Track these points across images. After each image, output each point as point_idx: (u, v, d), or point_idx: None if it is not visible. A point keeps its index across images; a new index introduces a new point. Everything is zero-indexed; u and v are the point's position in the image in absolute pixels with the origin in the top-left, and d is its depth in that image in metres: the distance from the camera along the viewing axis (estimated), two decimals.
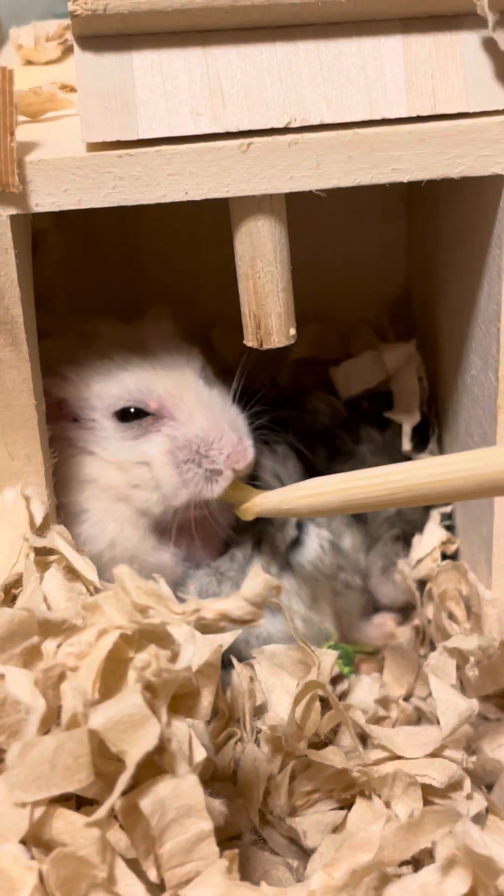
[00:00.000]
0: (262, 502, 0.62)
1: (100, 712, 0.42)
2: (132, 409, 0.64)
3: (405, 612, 0.76)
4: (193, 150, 0.52)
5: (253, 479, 0.67)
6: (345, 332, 0.88)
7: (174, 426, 0.63)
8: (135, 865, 0.44)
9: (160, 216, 0.65)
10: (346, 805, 0.56)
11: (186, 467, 0.63)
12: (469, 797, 0.54)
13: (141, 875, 0.44)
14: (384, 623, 0.75)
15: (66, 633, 0.46)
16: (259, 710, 0.59)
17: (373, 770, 0.55)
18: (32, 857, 0.43)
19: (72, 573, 0.57)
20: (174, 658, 0.45)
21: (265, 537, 0.69)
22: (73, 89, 0.60)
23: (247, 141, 0.52)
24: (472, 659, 0.59)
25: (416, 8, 0.52)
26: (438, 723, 0.56)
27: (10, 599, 0.56)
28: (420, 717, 0.64)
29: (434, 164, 0.54)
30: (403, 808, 0.54)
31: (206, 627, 0.45)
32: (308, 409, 0.80)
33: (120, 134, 0.52)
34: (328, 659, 0.60)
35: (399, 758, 0.56)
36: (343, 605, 0.72)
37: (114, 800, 0.42)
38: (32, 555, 0.57)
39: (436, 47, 0.53)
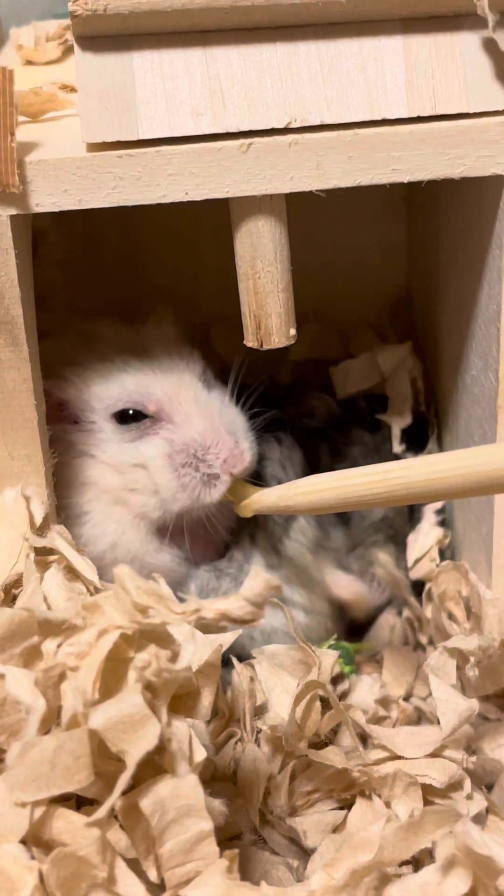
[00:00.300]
0: (261, 499, 0.62)
1: (100, 712, 0.42)
2: (131, 412, 0.64)
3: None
4: (194, 150, 0.52)
5: (257, 475, 0.66)
6: (345, 332, 0.88)
7: (172, 429, 0.63)
8: (135, 865, 0.44)
9: (160, 216, 0.65)
10: (347, 805, 0.56)
11: (184, 471, 0.62)
12: (469, 797, 0.54)
13: (141, 875, 0.44)
14: (350, 584, 0.74)
15: (66, 633, 0.46)
16: (259, 710, 0.59)
17: (373, 770, 0.55)
18: (32, 857, 0.43)
19: (72, 573, 0.57)
20: (174, 658, 0.45)
21: (260, 529, 0.69)
22: (73, 89, 0.60)
23: (247, 141, 0.52)
24: (472, 659, 0.59)
25: (417, 8, 0.52)
26: (438, 723, 0.56)
27: (10, 599, 0.56)
28: (420, 717, 0.64)
29: (434, 165, 0.54)
30: (403, 808, 0.54)
31: (206, 627, 0.45)
32: (305, 407, 0.80)
33: (120, 134, 0.52)
34: (328, 659, 0.60)
35: (399, 758, 0.56)
36: (315, 571, 0.72)
37: (114, 800, 0.42)
38: (32, 555, 0.57)
39: (436, 48, 0.53)
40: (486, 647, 0.59)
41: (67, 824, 0.44)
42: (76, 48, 0.52)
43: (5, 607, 0.53)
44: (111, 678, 0.44)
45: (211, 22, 0.51)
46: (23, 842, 0.43)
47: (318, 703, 0.57)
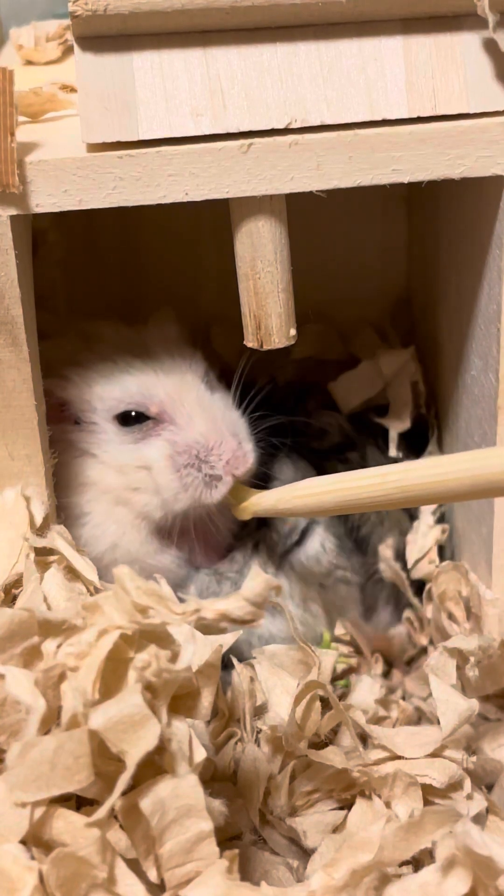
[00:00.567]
0: (259, 502, 0.62)
1: (100, 712, 0.42)
2: (133, 413, 0.64)
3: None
4: (194, 150, 0.52)
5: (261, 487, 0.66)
6: (345, 332, 0.88)
7: (174, 431, 0.63)
8: (135, 865, 0.44)
9: (160, 217, 0.65)
10: (347, 805, 0.56)
11: (186, 472, 0.62)
12: (469, 797, 0.54)
13: (141, 875, 0.44)
14: (393, 635, 0.74)
15: (66, 633, 0.46)
16: (259, 710, 0.59)
17: (373, 770, 0.55)
18: (32, 857, 0.43)
19: (72, 573, 0.57)
20: (174, 658, 0.45)
21: (264, 539, 0.69)
22: (73, 90, 0.60)
23: (247, 142, 0.52)
24: (472, 659, 0.59)
25: (417, 9, 0.52)
26: (438, 723, 0.56)
27: (10, 599, 0.56)
28: (420, 717, 0.64)
29: (434, 165, 0.54)
30: (403, 808, 0.54)
31: (206, 627, 0.45)
32: (316, 426, 0.79)
33: (120, 134, 0.52)
34: (328, 659, 0.60)
35: (399, 758, 0.56)
36: (333, 600, 0.72)
37: (114, 800, 0.42)
38: (32, 555, 0.57)
39: (436, 48, 0.53)
40: (486, 647, 0.59)
41: (67, 824, 0.44)
42: (76, 48, 0.52)
43: (5, 607, 0.53)
44: (111, 678, 0.44)
45: (211, 22, 0.51)
46: (23, 842, 0.43)
47: (318, 703, 0.57)
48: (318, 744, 0.57)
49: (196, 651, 0.47)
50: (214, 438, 0.63)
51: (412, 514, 0.77)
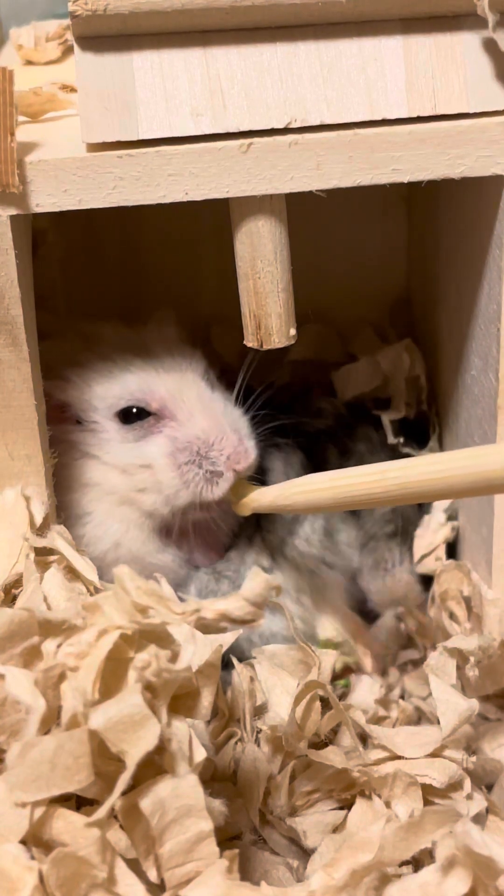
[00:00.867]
0: (259, 498, 0.62)
1: (100, 712, 0.42)
2: (134, 410, 0.64)
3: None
4: (194, 150, 0.52)
5: (261, 482, 0.66)
6: (345, 332, 0.88)
7: (175, 427, 0.63)
8: (135, 865, 0.44)
9: (160, 216, 0.65)
10: (347, 805, 0.56)
11: (187, 468, 0.63)
12: (469, 797, 0.54)
13: (141, 875, 0.44)
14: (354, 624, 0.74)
15: (66, 633, 0.46)
16: (259, 710, 0.59)
17: (373, 770, 0.55)
18: (32, 857, 0.43)
19: (72, 573, 0.57)
20: (174, 658, 0.45)
21: (257, 533, 0.69)
22: (73, 89, 0.60)
23: (247, 141, 0.52)
24: (472, 659, 0.59)
25: (417, 8, 0.52)
26: (438, 723, 0.56)
27: (10, 599, 0.56)
28: (420, 717, 0.64)
29: (434, 165, 0.54)
30: (403, 808, 0.54)
31: (206, 627, 0.45)
32: (313, 410, 0.79)
33: (120, 134, 0.52)
34: (328, 659, 0.60)
35: (399, 758, 0.56)
36: (318, 585, 0.72)
37: (114, 800, 0.42)
38: (32, 555, 0.57)
39: (436, 48, 0.53)
40: (485, 647, 0.59)
41: (67, 824, 0.44)
42: (76, 48, 0.52)
43: (5, 607, 0.53)
44: (111, 678, 0.44)
45: (211, 22, 0.51)
46: (23, 842, 0.43)
47: (318, 703, 0.57)
48: (318, 744, 0.57)
49: (196, 651, 0.47)
50: (215, 434, 0.63)
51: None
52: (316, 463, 0.73)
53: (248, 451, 0.63)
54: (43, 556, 0.57)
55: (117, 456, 0.64)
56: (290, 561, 0.70)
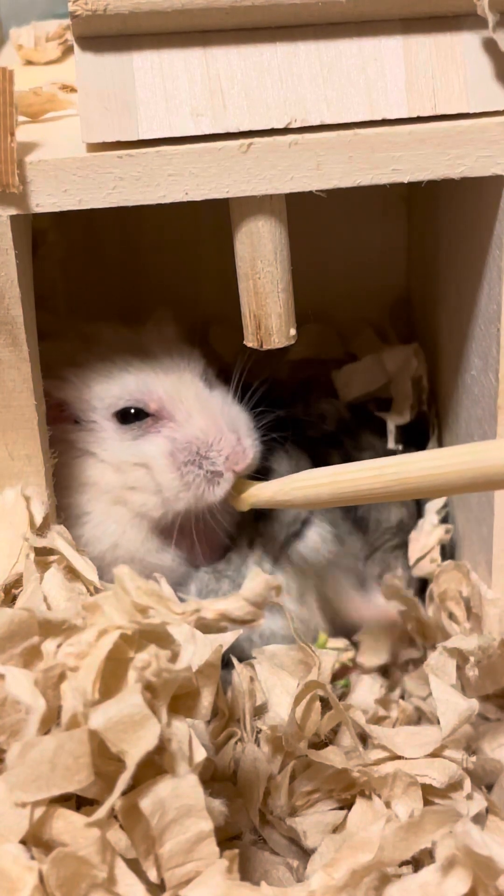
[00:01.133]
0: (258, 493, 0.62)
1: (100, 712, 0.42)
2: (132, 410, 0.64)
3: None
4: (194, 150, 0.52)
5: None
6: (345, 332, 0.88)
7: (174, 427, 0.63)
8: (135, 865, 0.44)
9: (160, 217, 0.65)
10: (346, 805, 0.56)
11: (187, 470, 0.62)
12: (469, 797, 0.55)
13: (141, 875, 0.44)
14: (369, 607, 0.74)
15: (66, 633, 0.46)
16: (259, 710, 0.59)
17: (373, 770, 0.55)
18: (32, 857, 0.43)
19: (72, 573, 0.57)
20: (174, 658, 0.45)
21: (261, 534, 0.69)
22: (73, 89, 0.60)
23: (247, 141, 0.52)
24: (472, 659, 0.59)
25: (417, 8, 0.52)
26: (438, 723, 0.56)
27: (10, 599, 0.56)
28: (420, 717, 0.64)
29: (434, 165, 0.54)
30: (403, 808, 0.54)
31: (206, 627, 0.45)
32: (314, 412, 0.79)
33: (120, 134, 0.52)
34: (328, 659, 0.60)
35: (399, 758, 0.56)
36: (327, 590, 0.72)
37: (114, 800, 0.42)
38: (32, 555, 0.57)
39: (436, 48, 0.53)
40: (485, 646, 0.59)
41: (67, 824, 0.44)
42: (76, 48, 0.52)
43: (5, 607, 0.53)
44: (111, 678, 0.44)
45: (211, 22, 0.51)
46: (23, 842, 0.43)
47: (318, 704, 0.57)
48: (318, 744, 0.57)
49: (196, 651, 0.47)
50: (214, 434, 0.63)
51: None
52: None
53: (246, 452, 0.63)
54: (43, 556, 0.57)
55: (115, 454, 0.64)
56: (296, 560, 0.70)
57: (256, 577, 0.44)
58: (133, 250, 0.86)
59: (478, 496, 0.66)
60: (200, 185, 0.53)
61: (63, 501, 0.64)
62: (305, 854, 0.54)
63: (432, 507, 0.76)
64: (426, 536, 0.75)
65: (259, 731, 0.58)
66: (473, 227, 0.62)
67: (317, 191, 0.54)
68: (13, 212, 0.53)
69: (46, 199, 0.53)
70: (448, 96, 0.53)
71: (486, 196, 0.59)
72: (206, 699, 0.47)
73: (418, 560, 0.74)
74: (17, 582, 0.56)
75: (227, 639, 0.54)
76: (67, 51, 0.77)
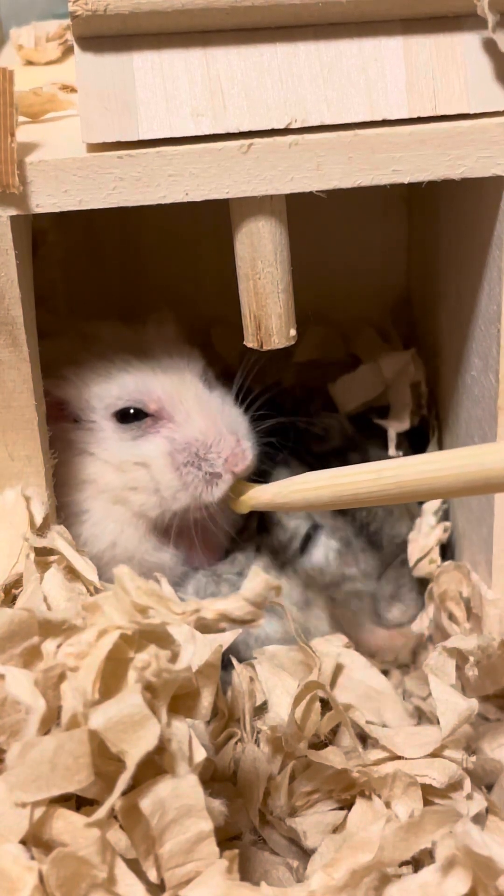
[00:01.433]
0: (257, 496, 0.62)
1: (100, 712, 0.42)
2: (131, 410, 0.64)
3: None
4: (194, 150, 0.52)
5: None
6: (346, 332, 0.88)
7: (173, 428, 0.64)
8: (135, 865, 0.44)
9: (160, 217, 0.65)
10: (346, 805, 0.56)
11: (186, 470, 0.63)
12: (469, 797, 0.54)
13: (141, 875, 0.44)
14: (393, 636, 0.74)
15: (66, 633, 0.46)
16: (259, 711, 0.59)
17: (373, 770, 0.55)
18: (32, 857, 0.43)
19: (72, 573, 0.57)
20: (174, 658, 0.45)
21: (267, 542, 0.69)
22: (73, 90, 0.60)
23: (247, 142, 0.52)
24: (471, 659, 0.59)
25: (417, 9, 0.52)
26: (438, 723, 0.56)
27: (10, 599, 0.56)
28: (420, 717, 0.64)
29: (435, 166, 0.54)
30: (403, 808, 0.54)
31: (206, 627, 0.45)
32: (318, 428, 0.79)
33: (120, 135, 0.52)
34: (328, 660, 0.60)
35: (399, 758, 0.56)
36: (345, 614, 0.72)
37: (114, 800, 0.42)
38: (32, 555, 0.57)
39: (437, 48, 0.53)
40: (485, 646, 0.59)
41: (67, 824, 0.44)
42: (76, 48, 0.52)
43: (5, 607, 0.53)
44: (111, 678, 0.44)
45: (211, 22, 0.51)
46: (23, 842, 0.43)
47: (317, 704, 0.57)
48: (318, 744, 0.57)
49: (196, 651, 0.47)
50: (213, 435, 0.63)
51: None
52: None
53: (245, 453, 0.64)
54: (43, 556, 0.57)
55: (114, 454, 0.64)
56: (302, 575, 0.70)
57: (256, 577, 0.44)
58: (133, 250, 0.86)
59: (478, 496, 0.66)
60: (200, 186, 0.53)
61: (62, 499, 0.64)
62: (305, 854, 0.54)
63: (429, 508, 0.76)
64: (424, 537, 0.75)
65: (259, 732, 0.58)
66: (474, 227, 0.62)
67: (317, 191, 0.54)
68: (13, 212, 0.53)
69: (46, 199, 0.53)
70: (448, 97, 0.53)
71: (486, 197, 0.59)
72: (206, 699, 0.47)
73: (418, 561, 0.74)
74: (17, 582, 0.56)
75: (227, 639, 0.54)
76: (67, 51, 0.77)
